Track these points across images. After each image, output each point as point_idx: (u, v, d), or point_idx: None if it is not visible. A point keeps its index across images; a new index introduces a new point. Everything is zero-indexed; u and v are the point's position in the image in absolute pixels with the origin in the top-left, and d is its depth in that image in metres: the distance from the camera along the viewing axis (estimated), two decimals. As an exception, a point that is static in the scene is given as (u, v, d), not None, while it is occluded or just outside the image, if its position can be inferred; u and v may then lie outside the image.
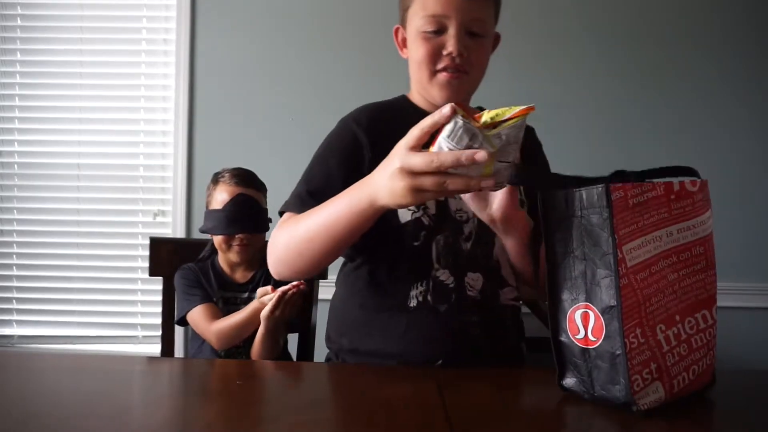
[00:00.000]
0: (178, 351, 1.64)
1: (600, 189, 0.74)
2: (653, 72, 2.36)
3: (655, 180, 0.79)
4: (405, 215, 1.02)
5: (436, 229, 1.02)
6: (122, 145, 2.45)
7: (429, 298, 1.01)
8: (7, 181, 2.47)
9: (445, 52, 1.01)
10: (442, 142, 0.71)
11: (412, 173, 0.74)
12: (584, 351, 0.76)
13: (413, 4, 1.04)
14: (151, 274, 1.51)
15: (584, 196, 0.77)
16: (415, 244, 1.02)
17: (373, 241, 0.99)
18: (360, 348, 1.03)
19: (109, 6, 2.46)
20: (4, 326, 2.48)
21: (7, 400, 0.76)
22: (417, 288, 1.01)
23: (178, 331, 1.60)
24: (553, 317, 0.80)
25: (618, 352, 0.72)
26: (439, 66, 1.02)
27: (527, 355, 1.11)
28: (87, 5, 2.46)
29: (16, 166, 2.47)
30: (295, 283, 1.40)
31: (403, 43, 1.09)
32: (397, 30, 1.11)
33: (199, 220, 2.36)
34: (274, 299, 1.41)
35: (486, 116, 0.71)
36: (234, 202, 1.55)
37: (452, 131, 0.70)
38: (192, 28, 2.40)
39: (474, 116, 0.72)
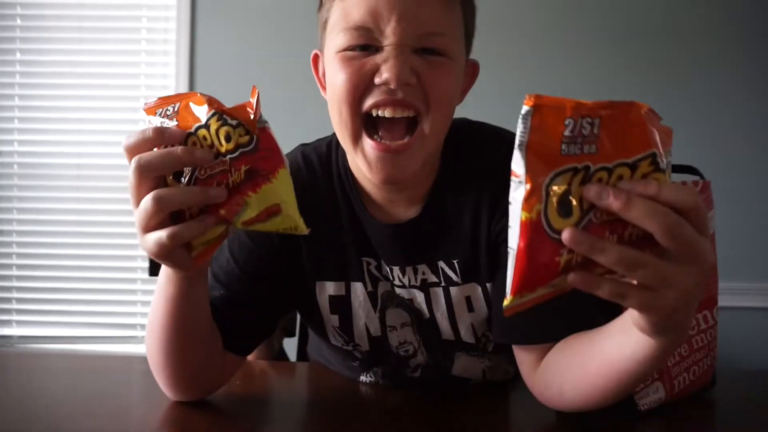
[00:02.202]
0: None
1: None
2: (653, 72, 2.36)
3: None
4: (333, 341, 0.83)
5: (370, 362, 0.85)
6: (122, 145, 2.44)
7: (380, 382, 0.87)
8: (7, 181, 2.46)
9: (378, 80, 0.65)
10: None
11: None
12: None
13: (331, 13, 0.69)
14: (151, 274, 1.51)
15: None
16: (353, 364, 0.86)
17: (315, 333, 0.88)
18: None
19: (108, 6, 2.46)
20: (4, 326, 2.47)
21: (7, 400, 0.76)
22: (366, 377, 0.88)
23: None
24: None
25: (619, 352, 0.72)
26: (369, 102, 0.66)
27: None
28: (87, 5, 2.46)
29: (16, 166, 2.47)
30: None
31: (324, 78, 0.74)
32: (315, 59, 0.76)
33: (199, 220, 2.36)
34: None
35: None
36: None
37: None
38: (192, 28, 2.40)
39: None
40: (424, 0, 0.65)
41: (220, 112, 0.53)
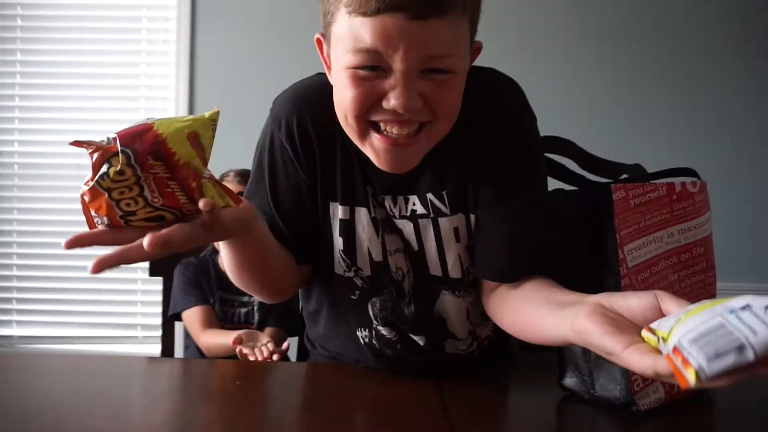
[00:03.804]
0: (178, 351, 1.64)
1: (602, 189, 0.74)
2: (654, 72, 2.36)
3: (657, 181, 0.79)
4: (338, 268, 0.86)
5: (371, 290, 0.87)
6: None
7: (375, 343, 0.89)
8: (7, 181, 2.47)
9: (386, 104, 0.68)
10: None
11: None
12: (585, 351, 0.76)
13: (337, 20, 0.69)
14: (151, 275, 1.51)
15: (586, 196, 0.77)
16: (353, 297, 0.88)
17: (316, 281, 0.92)
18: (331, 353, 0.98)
19: (109, 6, 2.47)
20: (4, 326, 2.47)
21: (7, 400, 0.76)
22: (362, 332, 0.90)
23: (178, 331, 1.60)
24: (554, 317, 0.80)
25: (618, 352, 0.72)
26: (375, 117, 0.69)
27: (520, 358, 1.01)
28: (87, 5, 2.46)
29: (16, 166, 2.47)
30: (268, 353, 1.39)
31: (329, 59, 0.74)
32: (319, 42, 0.77)
33: (199, 221, 2.36)
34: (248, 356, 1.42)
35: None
36: None
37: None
38: (192, 28, 2.40)
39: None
40: (433, 23, 0.64)
41: (95, 179, 0.55)
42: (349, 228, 0.83)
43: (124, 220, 0.56)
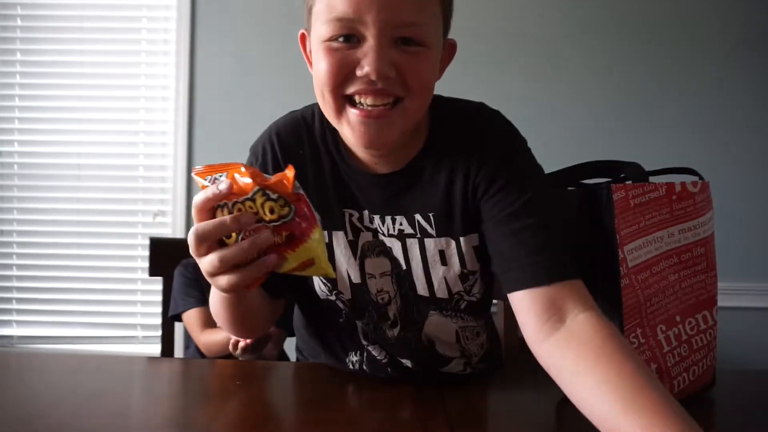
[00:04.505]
0: (178, 351, 1.64)
1: (602, 189, 0.74)
2: (654, 71, 2.36)
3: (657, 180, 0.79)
4: (320, 292, 0.87)
5: (354, 313, 0.87)
6: (122, 145, 2.45)
7: (365, 367, 0.90)
8: (7, 181, 2.47)
9: (359, 72, 0.69)
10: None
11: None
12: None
13: (317, 2, 0.73)
14: (151, 274, 1.51)
15: (586, 196, 0.77)
16: (340, 320, 0.89)
17: (304, 305, 0.94)
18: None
19: (109, 6, 2.46)
20: (4, 326, 2.47)
21: (7, 400, 0.76)
22: (353, 356, 0.91)
23: (178, 331, 1.60)
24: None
25: (618, 352, 0.72)
26: (350, 90, 0.71)
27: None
28: (87, 5, 2.46)
29: (16, 166, 2.47)
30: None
31: (312, 54, 0.77)
32: (303, 38, 0.80)
33: (199, 221, 2.36)
34: (238, 350, 1.43)
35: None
36: None
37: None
38: (192, 28, 2.40)
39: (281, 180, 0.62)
40: None
41: (263, 187, 0.61)
42: (327, 252, 0.83)
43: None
